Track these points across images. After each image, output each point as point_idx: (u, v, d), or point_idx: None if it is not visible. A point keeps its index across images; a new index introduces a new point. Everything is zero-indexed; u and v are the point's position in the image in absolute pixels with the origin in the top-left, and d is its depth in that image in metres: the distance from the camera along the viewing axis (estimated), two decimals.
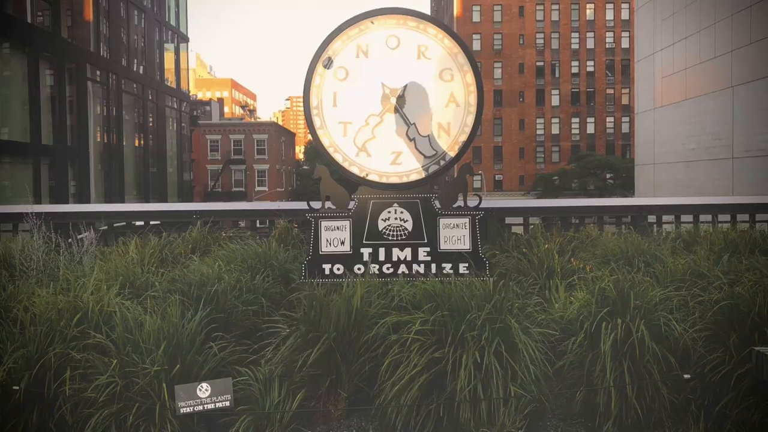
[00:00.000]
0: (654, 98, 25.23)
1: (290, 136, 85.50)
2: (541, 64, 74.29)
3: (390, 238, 5.93)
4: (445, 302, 4.60)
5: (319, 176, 6.05)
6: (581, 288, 5.20)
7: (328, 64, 5.86)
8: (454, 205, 6.10)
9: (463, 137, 5.91)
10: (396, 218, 5.98)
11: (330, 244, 5.87)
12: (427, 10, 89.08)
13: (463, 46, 5.91)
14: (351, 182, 6.03)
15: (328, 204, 6.08)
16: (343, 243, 5.88)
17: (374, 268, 5.86)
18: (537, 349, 4.41)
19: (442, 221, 5.96)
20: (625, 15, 72.34)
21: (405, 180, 5.94)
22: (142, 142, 36.83)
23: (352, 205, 5.98)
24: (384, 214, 5.95)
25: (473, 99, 5.89)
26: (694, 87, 21.81)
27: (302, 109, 5.96)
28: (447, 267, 5.91)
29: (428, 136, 5.89)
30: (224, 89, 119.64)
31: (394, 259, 5.91)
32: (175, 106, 43.24)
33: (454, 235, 5.97)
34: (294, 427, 4.32)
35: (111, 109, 32.26)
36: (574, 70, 74.24)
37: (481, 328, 4.37)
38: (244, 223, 9.44)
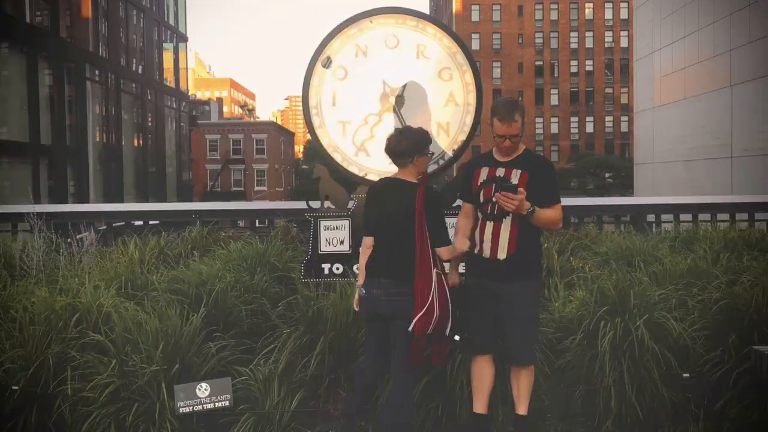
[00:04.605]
0: (653, 97, 25.23)
1: (289, 135, 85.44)
2: (540, 63, 74.34)
3: None
4: None
5: (318, 176, 6.04)
6: (580, 287, 5.20)
7: (327, 63, 5.85)
8: (453, 205, 6.09)
9: (462, 137, 5.90)
10: None
11: (329, 243, 5.87)
12: (426, 10, 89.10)
13: (461, 46, 5.89)
14: (350, 182, 6.01)
15: (327, 204, 6.07)
16: (342, 242, 5.87)
17: None
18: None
19: None
20: (624, 14, 72.31)
21: None
22: (141, 141, 36.80)
23: (351, 204, 5.97)
24: None
25: (472, 98, 5.88)
26: (693, 86, 21.81)
27: (301, 108, 5.94)
28: (446, 266, 5.89)
29: None
30: (223, 89, 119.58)
31: None
32: (174, 106, 43.22)
33: (453, 234, 5.95)
34: (293, 426, 4.32)
35: (110, 108, 32.24)
36: (573, 69, 74.27)
37: None
38: (243, 222, 9.44)
